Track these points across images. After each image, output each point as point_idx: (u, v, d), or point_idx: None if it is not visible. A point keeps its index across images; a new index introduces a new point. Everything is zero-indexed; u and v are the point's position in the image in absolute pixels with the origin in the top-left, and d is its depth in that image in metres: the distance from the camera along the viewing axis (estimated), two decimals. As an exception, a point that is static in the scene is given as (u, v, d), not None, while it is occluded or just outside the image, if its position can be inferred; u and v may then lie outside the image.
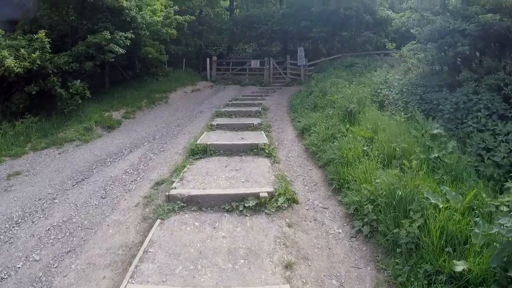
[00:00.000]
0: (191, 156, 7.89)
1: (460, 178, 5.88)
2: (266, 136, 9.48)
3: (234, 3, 34.12)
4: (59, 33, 14.43)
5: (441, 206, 4.48)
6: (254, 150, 8.05)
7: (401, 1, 29.81)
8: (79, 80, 12.67)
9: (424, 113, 9.60)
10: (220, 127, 10.56)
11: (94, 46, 13.21)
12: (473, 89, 9.06)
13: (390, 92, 11.56)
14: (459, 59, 10.67)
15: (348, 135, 7.84)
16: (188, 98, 18.62)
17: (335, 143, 7.57)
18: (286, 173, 7.07)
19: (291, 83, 21.91)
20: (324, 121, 9.29)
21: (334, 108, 10.11)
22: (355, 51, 24.16)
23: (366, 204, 5.20)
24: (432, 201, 4.56)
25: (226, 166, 7.23)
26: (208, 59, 24.39)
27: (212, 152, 8.03)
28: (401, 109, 10.24)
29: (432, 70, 11.77)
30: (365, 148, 6.98)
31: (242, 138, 9.03)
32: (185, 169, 7.12)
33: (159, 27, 17.49)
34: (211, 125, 10.64)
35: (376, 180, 5.45)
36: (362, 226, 5.08)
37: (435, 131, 7.75)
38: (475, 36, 9.56)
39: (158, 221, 5.26)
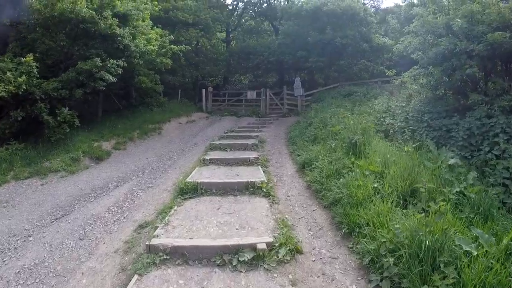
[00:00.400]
0: (180, 196, 7.01)
1: (489, 216, 5.17)
2: (263, 172, 8.65)
3: (231, 35, 34.04)
4: (55, 58, 13.86)
5: (475, 253, 3.82)
6: (250, 188, 7.18)
7: (402, 26, 29.87)
8: (67, 108, 12.11)
9: (433, 141, 8.93)
10: (213, 161, 9.71)
11: (85, 73, 12.62)
12: (486, 112, 8.45)
13: (394, 120, 10.88)
14: (468, 81, 10.05)
15: (355, 170, 7.04)
16: (183, 129, 17.90)
17: (341, 180, 6.75)
18: (287, 216, 6.21)
19: (288, 114, 21.29)
20: (327, 154, 8.51)
21: (337, 140, 9.37)
22: (351, 79, 23.74)
23: (385, 255, 4.34)
24: (465, 248, 3.90)
25: (218, 208, 6.35)
26: (203, 90, 23.81)
27: (203, 191, 7.14)
28: (409, 138, 9.57)
29: (436, 95, 11.20)
30: (376, 185, 6.15)
31: (237, 175, 8.21)
32: (172, 211, 6.25)
33: (153, 56, 16.97)
34: (204, 160, 9.79)
35: (395, 225, 4.61)
36: (381, 281, 4.20)
37: (451, 162, 7.00)
38: (483, 57, 8.96)
39: (136, 277, 4.38)
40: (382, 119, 11.37)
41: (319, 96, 20.80)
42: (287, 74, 32.07)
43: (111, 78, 12.76)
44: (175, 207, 6.44)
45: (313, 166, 8.27)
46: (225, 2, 33.98)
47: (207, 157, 9.95)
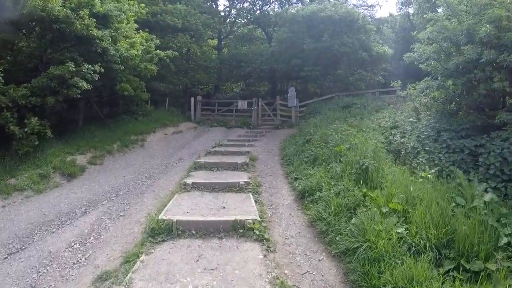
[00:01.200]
0: (151, 238, 5.54)
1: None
2: (255, 201, 7.25)
3: (222, 42, 32.73)
4: (27, 62, 12.63)
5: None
6: (239, 230, 5.71)
7: (396, 36, 28.78)
8: (36, 118, 10.76)
9: (454, 166, 7.67)
10: (196, 186, 8.22)
11: (57, 79, 11.25)
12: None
13: (405, 138, 9.57)
14: (494, 96, 8.82)
15: (370, 206, 5.71)
16: (168, 141, 16.52)
17: (353, 220, 5.39)
18: (286, 271, 4.79)
19: (281, 125, 19.97)
20: (332, 182, 7.16)
21: (342, 163, 8.00)
22: (347, 90, 22.54)
23: None
24: None
25: (197, 260, 4.87)
26: (192, 99, 22.44)
27: (180, 232, 5.67)
28: (424, 161, 8.29)
29: (449, 111, 9.95)
30: (400, 230, 4.82)
31: (224, 207, 6.77)
32: (138, 262, 4.81)
33: (137, 62, 15.57)
34: (185, 184, 8.25)
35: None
36: None
37: (487, 198, 5.73)
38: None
39: None
40: (391, 137, 10.07)
41: (314, 107, 19.49)
42: (280, 83, 30.89)
43: (85, 85, 11.32)
44: (143, 256, 5.00)
45: (315, 196, 6.90)
46: (217, 8, 32.86)
47: (190, 180, 8.44)
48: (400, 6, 32.99)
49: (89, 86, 11.55)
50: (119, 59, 13.53)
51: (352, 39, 19.56)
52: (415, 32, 27.58)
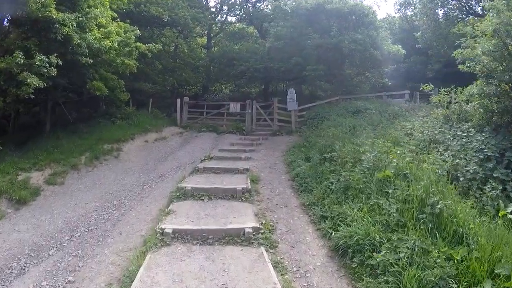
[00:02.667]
0: None
1: None
2: (273, 265, 4.76)
3: (212, 41, 30.14)
4: None
5: None
6: None
7: (394, 36, 26.70)
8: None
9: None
10: (180, 236, 5.56)
11: (3, 75, 8.72)
12: None
13: (461, 160, 7.20)
14: None
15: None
16: (149, 150, 13.98)
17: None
18: None
19: (279, 131, 17.52)
20: (393, 236, 4.67)
21: (390, 198, 5.60)
22: (350, 93, 20.32)
23: None
24: None
25: None
26: (178, 100, 19.85)
27: None
28: (500, 194, 6.00)
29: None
30: None
31: (224, 285, 4.22)
32: None
33: (112, 55, 13.04)
34: (163, 233, 5.49)
35: None
36: None
37: None
38: None
39: None
40: (438, 156, 7.67)
41: (317, 111, 17.03)
42: (275, 84, 28.58)
43: (35, 82, 8.72)
44: None
45: (370, 261, 4.44)
46: (208, 4, 30.31)
47: (169, 226, 5.74)
48: (399, 7, 31.60)
49: (40, 83, 8.95)
50: (87, 51, 10.97)
51: (362, 35, 17.19)
52: (418, 33, 26.04)
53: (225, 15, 31.36)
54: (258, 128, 18.95)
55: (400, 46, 20.08)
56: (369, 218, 5.23)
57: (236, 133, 17.80)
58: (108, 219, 7.19)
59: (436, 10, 24.54)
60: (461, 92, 9.42)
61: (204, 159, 11.76)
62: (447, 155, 7.55)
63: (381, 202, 5.59)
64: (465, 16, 24.34)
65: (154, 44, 15.35)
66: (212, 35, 30.26)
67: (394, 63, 21.40)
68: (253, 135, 17.40)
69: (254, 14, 28.46)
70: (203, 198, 7.30)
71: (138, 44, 14.46)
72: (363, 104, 15.87)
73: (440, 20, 24.37)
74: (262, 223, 6.08)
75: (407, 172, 6.14)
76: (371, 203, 5.74)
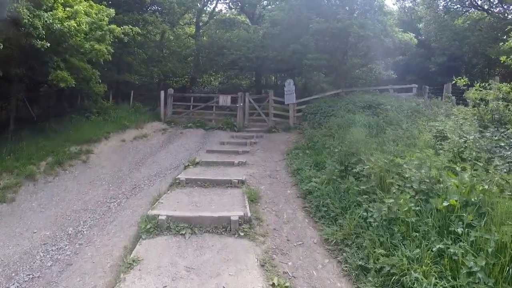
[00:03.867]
0: None
1: None
2: None
3: (201, 30, 27.83)
4: None
5: None
6: None
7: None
8: None
9: None
10: None
11: None
12: None
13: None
14: None
15: None
16: (125, 152, 12.04)
17: None
18: None
19: (275, 128, 15.61)
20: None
21: (461, 241, 3.72)
22: (353, 85, 18.54)
23: None
24: None
25: None
26: (162, 92, 17.79)
27: None
28: None
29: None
30: None
31: None
32: None
33: (79, 39, 10.98)
34: None
35: None
36: None
37: None
38: None
39: None
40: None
41: (319, 105, 15.03)
42: (267, 76, 26.62)
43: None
44: None
45: None
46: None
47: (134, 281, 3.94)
48: (398, -2, 30.00)
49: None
50: (43, 32, 8.87)
51: (372, 20, 15.19)
52: (421, 25, 24.24)
53: (214, 1, 29.19)
54: (251, 124, 17.06)
55: (413, 35, 18.10)
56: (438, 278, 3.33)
57: (226, 130, 15.89)
58: (57, 261, 5.26)
59: (438, 2, 23.23)
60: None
61: (188, 164, 9.79)
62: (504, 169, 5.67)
63: (451, 250, 3.68)
64: (465, 10, 23.10)
65: (131, 27, 13.21)
66: (201, 24, 28.05)
67: (405, 53, 19.49)
68: (246, 132, 15.53)
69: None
70: (183, 232, 5.28)
71: (112, 26, 12.34)
72: (373, 99, 13.91)
73: (441, 13, 22.74)
74: (273, 284, 4.11)
75: (477, 200, 4.24)
76: (433, 249, 3.84)
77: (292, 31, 16.42)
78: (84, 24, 10.74)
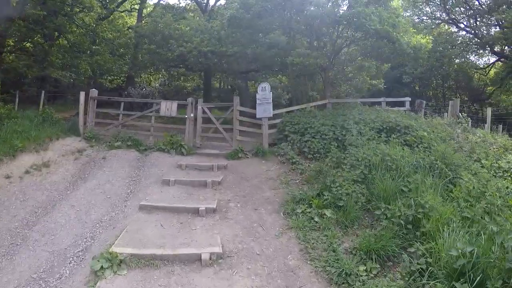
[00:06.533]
0: None
1: None
2: None
3: (143, 20, 22.46)
4: None
5: None
6: None
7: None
8: None
9: None
10: None
11: None
12: None
13: None
14: None
15: None
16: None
17: None
18: None
19: (241, 151, 10.90)
20: None
21: None
22: (339, 96, 14.97)
23: None
24: None
25: None
26: (81, 95, 12.37)
27: None
28: None
29: None
30: None
31: None
32: None
33: None
34: None
35: None
36: None
37: None
38: None
39: None
40: None
41: (307, 122, 10.29)
42: (222, 78, 22.14)
43: None
44: None
45: None
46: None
47: None
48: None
49: None
50: None
51: (380, 12, 11.04)
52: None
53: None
54: (205, 143, 12.24)
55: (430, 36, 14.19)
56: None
57: (171, 152, 11.00)
58: None
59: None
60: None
61: (102, 268, 4.81)
62: None
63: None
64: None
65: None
66: (143, 15, 22.87)
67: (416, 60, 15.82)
68: (200, 157, 10.92)
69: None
70: None
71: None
72: (387, 116, 9.75)
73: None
74: None
75: None
76: None
77: (273, 15, 11.72)
78: None
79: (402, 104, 13.67)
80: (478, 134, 9.76)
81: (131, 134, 11.96)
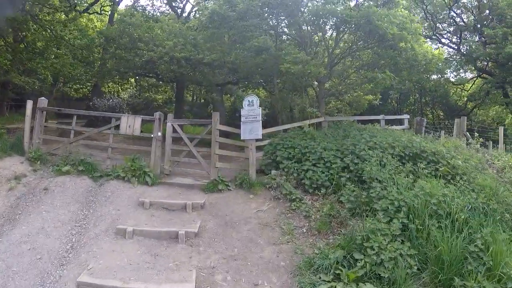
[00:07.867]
0: None
1: None
2: None
3: (114, 20, 20.08)
4: None
5: None
6: None
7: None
8: None
9: None
10: None
11: None
12: None
13: None
14: None
15: None
16: None
17: None
18: None
19: (221, 181, 8.59)
20: None
21: None
22: (331, 113, 13.52)
23: None
24: None
25: None
26: (28, 104, 9.78)
27: None
28: None
29: None
30: None
31: None
32: None
33: None
34: None
35: None
36: None
37: None
38: None
39: None
40: None
41: (305, 146, 8.45)
42: (195, 90, 20.13)
43: None
44: None
45: None
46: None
47: None
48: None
49: None
50: None
51: (394, 15, 9.38)
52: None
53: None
54: (175, 169, 9.79)
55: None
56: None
57: (132, 181, 8.58)
58: None
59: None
60: None
61: None
62: None
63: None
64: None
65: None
66: (115, 20, 20.47)
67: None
68: (169, 188, 8.62)
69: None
70: None
71: None
72: (417, 141, 7.90)
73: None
74: None
75: None
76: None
77: (263, 16, 9.70)
78: None
79: (402, 122, 12.28)
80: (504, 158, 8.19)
81: (85, 155, 9.43)
